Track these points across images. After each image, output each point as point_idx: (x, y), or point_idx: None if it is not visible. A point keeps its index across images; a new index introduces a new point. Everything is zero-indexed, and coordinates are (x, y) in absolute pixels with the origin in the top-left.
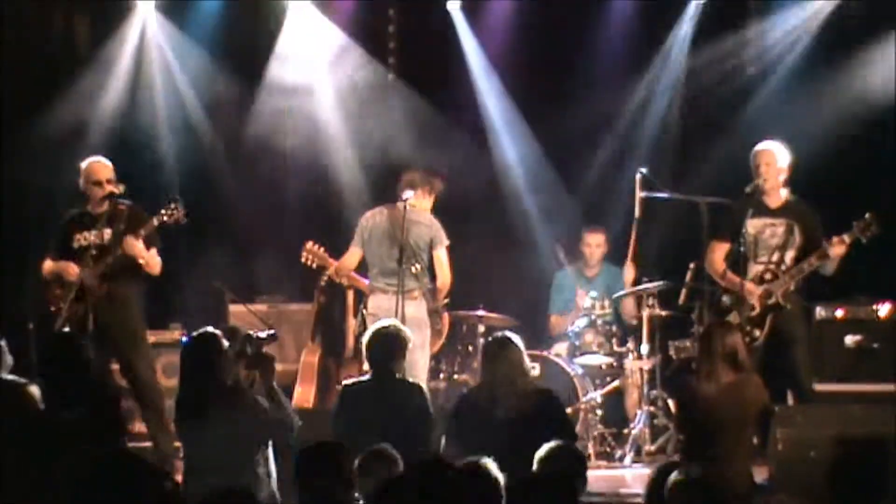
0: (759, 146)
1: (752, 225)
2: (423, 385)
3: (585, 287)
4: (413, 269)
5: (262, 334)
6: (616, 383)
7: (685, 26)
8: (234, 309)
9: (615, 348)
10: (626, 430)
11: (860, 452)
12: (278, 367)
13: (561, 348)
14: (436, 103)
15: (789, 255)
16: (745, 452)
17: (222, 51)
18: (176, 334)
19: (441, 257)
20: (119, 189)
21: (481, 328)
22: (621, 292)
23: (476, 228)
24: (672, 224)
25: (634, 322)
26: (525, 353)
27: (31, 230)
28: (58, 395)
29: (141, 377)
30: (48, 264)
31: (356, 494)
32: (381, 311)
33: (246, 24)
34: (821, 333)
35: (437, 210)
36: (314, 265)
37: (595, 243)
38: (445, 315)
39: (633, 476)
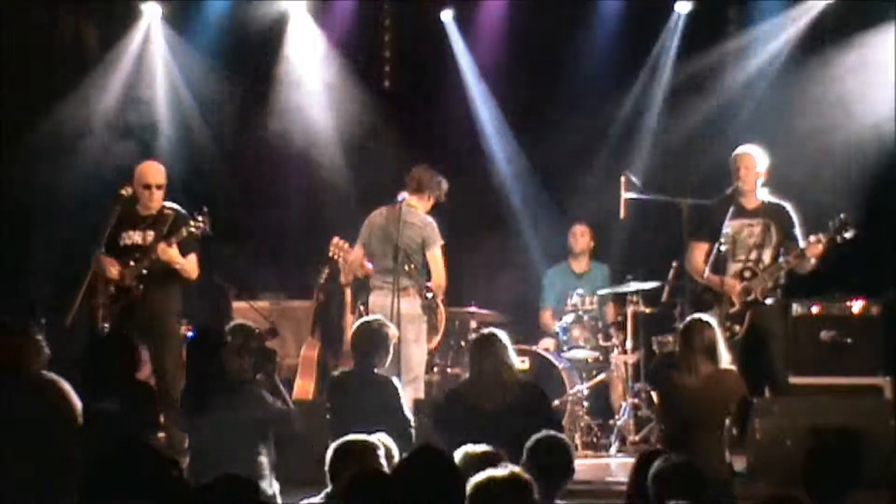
0: (739, 150)
1: (731, 225)
2: (418, 379)
3: (573, 283)
4: (407, 269)
5: (264, 330)
6: (602, 377)
7: (670, 35)
8: (238, 306)
9: (601, 343)
10: (611, 421)
11: (834, 442)
12: (280, 360)
13: (549, 343)
14: (429, 109)
15: (767, 254)
16: (725, 442)
17: (225, 56)
18: (182, 330)
19: (435, 257)
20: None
21: (473, 324)
22: (606, 290)
23: (468, 228)
24: (654, 224)
25: (617, 319)
26: (511, 348)
27: (33, 226)
28: (98, 389)
29: (167, 375)
30: (97, 258)
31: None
32: (378, 307)
33: (248, 31)
34: (797, 329)
35: (434, 211)
36: (340, 259)
37: (580, 232)
38: (442, 312)
39: (618, 465)
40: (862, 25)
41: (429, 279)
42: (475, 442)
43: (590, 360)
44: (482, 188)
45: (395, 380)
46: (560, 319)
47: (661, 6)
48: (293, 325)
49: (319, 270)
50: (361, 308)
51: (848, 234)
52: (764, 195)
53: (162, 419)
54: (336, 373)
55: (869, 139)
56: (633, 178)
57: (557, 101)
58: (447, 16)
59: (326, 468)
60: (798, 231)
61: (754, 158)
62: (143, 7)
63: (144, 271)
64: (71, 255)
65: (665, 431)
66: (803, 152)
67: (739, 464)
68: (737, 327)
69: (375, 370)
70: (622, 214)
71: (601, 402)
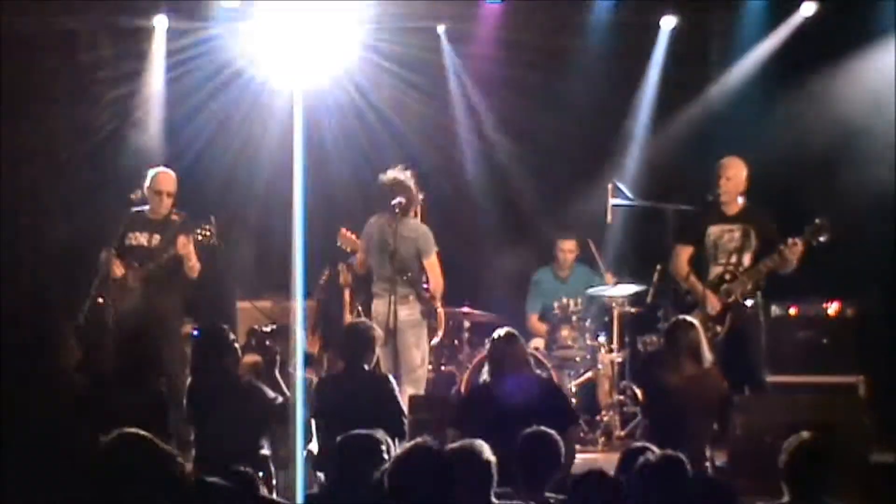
0: (721, 160)
1: (713, 230)
2: (419, 380)
3: (558, 288)
4: (405, 277)
5: (267, 328)
6: (589, 374)
7: (658, 48)
8: (242, 305)
9: (588, 342)
10: (598, 417)
11: (811, 438)
12: (282, 358)
13: (539, 342)
14: (426, 116)
15: (746, 258)
16: (707, 437)
17: (235, 64)
18: (188, 328)
19: (432, 264)
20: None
21: (466, 324)
22: (594, 290)
23: (461, 232)
24: (640, 229)
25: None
26: (527, 346)
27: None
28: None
29: (172, 373)
30: (104, 256)
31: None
32: (379, 314)
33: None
34: (775, 329)
35: (429, 217)
36: (349, 250)
37: (567, 249)
38: (441, 314)
39: (605, 459)
40: (842, 40)
41: (427, 283)
42: (500, 436)
43: (578, 359)
44: (475, 194)
45: (390, 376)
46: (546, 322)
47: (650, 22)
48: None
49: (320, 272)
50: (360, 308)
51: (822, 238)
52: (745, 202)
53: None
54: (324, 375)
55: (844, 148)
56: (621, 186)
57: (548, 113)
58: (441, 30)
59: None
60: (777, 236)
61: (736, 167)
62: (155, 20)
63: (149, 273)
64: (81, 256)
65: (650, 427)
66: (782, 160)
67: (720, 458)
68: (718, 328)
69: (366, 368)
70: (609, 219)
71: (589, 398)
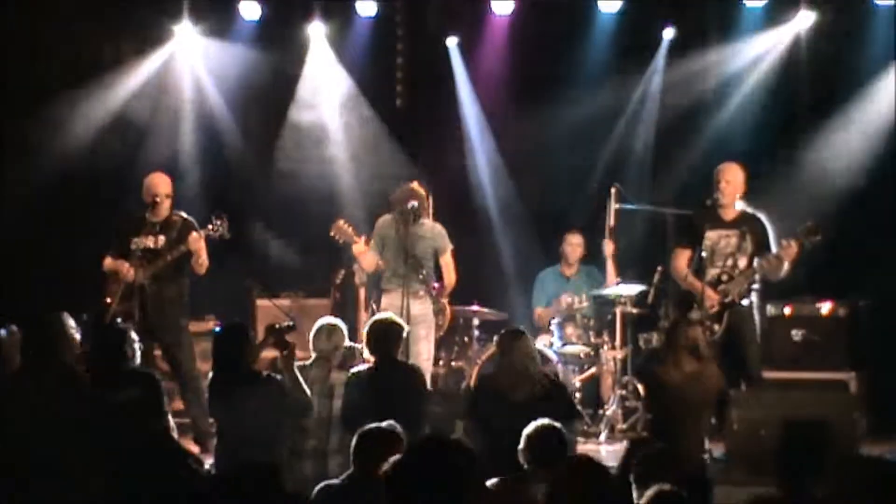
0: (720, 166)
1: (710, 235)
2: (425, 373)
3: (564, 285)
4: (420, 276)
5: (285, 325)
6: (593, 370)
7: (657, 55)
8: (261, 303)
9: (592, 340)
10: (601, 411)
11: (804, 432)
12: (299, 353)
13: (545, 339)
14: (436, 125)
15: (742, 261)
16: (705, 431)
17: (252, 71)
18: (210, 324)
19: (447, 263)
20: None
21: (476, 321)
22: (598, 291)
23: (472, 234)
24: (642, 232)
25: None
26: (533, 343)
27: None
28: (107, 379)
29: (182, 364)
30: (108, 261)
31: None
32: (392, 308)
33: (273, 52)
34: (771, 328)
35: (442, 220)
36: (341, 241)
37: (575, 242)
38: (447, 311)
39: (608, 451)
40: (837, 48)
41: (440, 280)
42: (507, 428)
43: (582, 356)
44: (484, 199)
45: (420, 368)
46: (552, 315)
47: (650, 33)
48: (311, 321)
49: (336, 272)
50: (374, 306)
51: (815, 239)
52: (741, 206)
53: (185, 405)
54: (355, 370)
55: (836, 154)
56: (623, 190)
57: (554, 121)
58: (452, 42)
59: (354, 453)
60: (771, 239)
61: (734, 173)
62: (177, 28)
63: (157, 271)
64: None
65: (650, 421)
66: (778, 164)
67: (718, 451)
68: (716, 326)
69: (398, 360)
70: (612, 223)
71: (592, 393)
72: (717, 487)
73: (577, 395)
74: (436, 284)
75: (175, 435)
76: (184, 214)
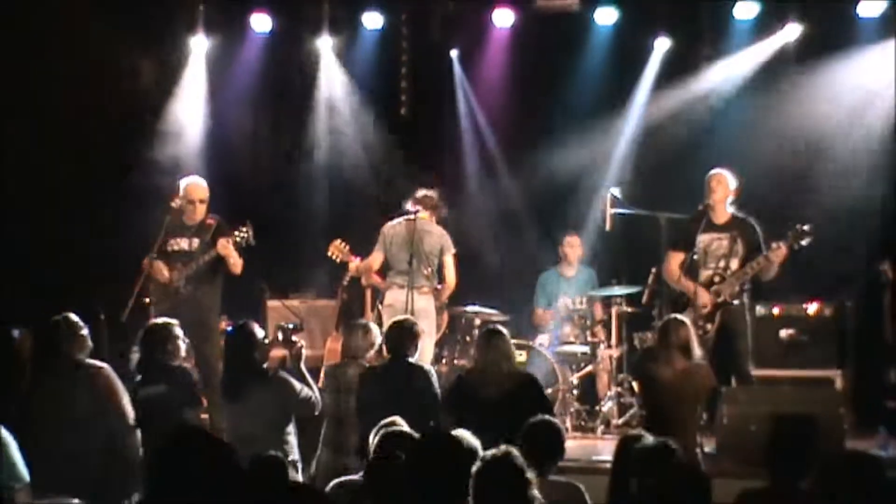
0: (712, 172)
1: (703, 238)
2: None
3: (564, 287)
4: (425, 272)
5: (293, 325)
6: (589, 368)
7: (650, 63)
8: (271, 304)
9: (589, 339)
10: (597, 407)
11: (791, 427)
12: (308, 352)
13: (544, 338)
14: (439, 134)
15: (734, 263)
16: (696, 426)
17: (264, 83)
18: (223, 324)
19: (448, 263)
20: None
21: (477, 321)
22: (595, 292)
23: (473, 237)
24: (637, 236)
25: (603, 318)
26: (511, 342)
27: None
28: (146, 375)
29: (209, 362)
30: (147, 262)
31: None
32: (397, 303)
33: (284, 64)
34: (760, 327)
35: (443, 224)
36: (338, 260)
37: (574, 244)
38: (445, 314)
39: (604, 445)
40: (819, 58)
41: (441, 281)
42: (478, 424)
43: (579, 354)
44: (485, 203)
45: (430, 368)
46: (552, 318)
47: (644, 43)
48: (320, 321)
49: (343, 274)
50: (380, 306)
51: (804, 242)
52: (733, 211)
53: (206, 402)
54: (369, 366)
55: (823, 160)
56: (618, 195)
57: (551, 127)
58: (454, 55)
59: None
60: (761, 242)
61: (725, 179)
62: (192, 41)
63: (191, 273)
64: (126, 259)
65: (645, 416)
66: (767, 170)
67: (709, 445)
68: (708, 326)
69: (410, 361)
70: (608, 227)
71: (589, 390)
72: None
73: (575, 391)
74: (440, 286)
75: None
76: (218, 217)
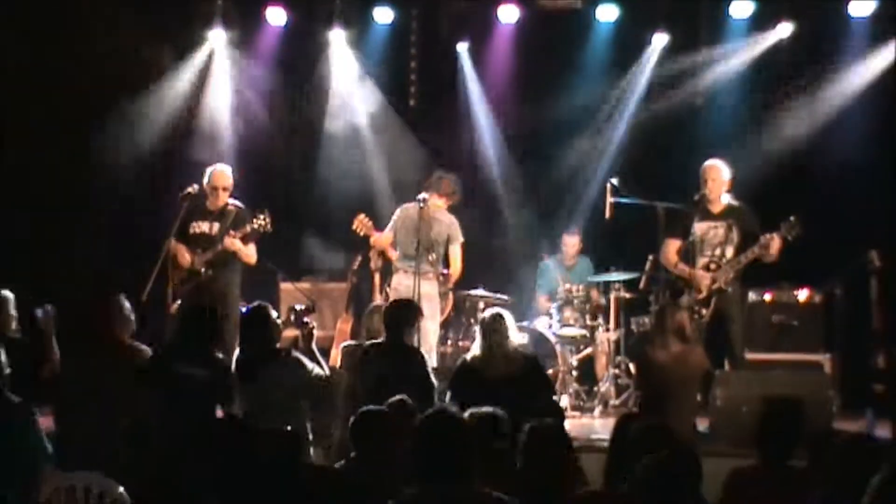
0: (707, 162)
1: (699, 227)
2: (430, 350)
3: (564, 274)
4: (430, 258)
5: (305, 306)
6: (588, 350)
7: (648, 58)
8: (284, 286)
9: (588, 322)
10: (596, 388)
11: (780, 409)
12: (319, 333)
13: (545, 322)
14: (447, 123)
15: (729, 250)
16: (691, 407)
17: (280, 73)
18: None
19: (455, 252)
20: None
21: (481, 305)
22: (594, 278)
23: (479, 224)
24: (635, 224)
25: (601, 303)
26: (514, 325)
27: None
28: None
29: (227, 344)
30: (172, 244)
31: None
32: (402, 286)
33: (297, 55)
34: (752, 313)
35: (452, 211)
36: (361, 233)
37: (571, 243)
38: (450, 297)
39: (602, 424)
40: (812, 55)
41: (447, 268)
42: (484, 405)
43: (578, 337)
44: (491, 191)
45: (422, 349)
46: (553, 303)
47: (643, 41)
48: (330, 303)
49: (353, 258)
50: (388, 289)
51: (796, 232)
52: (728, 200)
53: None
54: (367, 345)
55: (812, 150)
56: (617, 184)
57: (554, 119)
58: (462, 47)
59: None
60: (756, 230)
61: (719, 170)
62: (210, 35)
63: (211, 257)
64: (144, 242)
65: (641, 397)
66: (761, 160)
67: (703, 425)
68: (703, 311)
69: (404, 341)
70: (607, 215)
71: (587, 371)
72: (702, 460)
73: (574, 373)
74: (444, 271)
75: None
76: (239, 204)
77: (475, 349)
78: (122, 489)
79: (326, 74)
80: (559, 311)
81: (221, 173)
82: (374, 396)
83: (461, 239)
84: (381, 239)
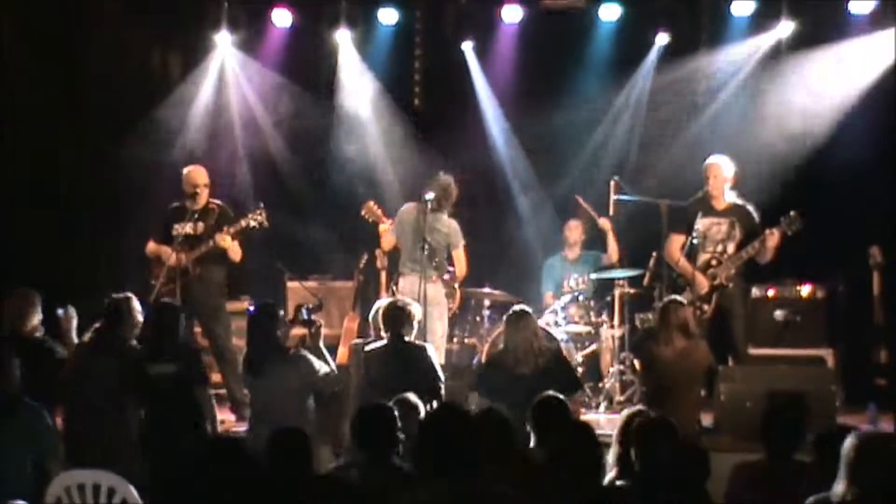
0: (710, 159)
1: (702, 223)
2: (439, 349)
3: (569, 269)
4: (433, 263)
5: (312, 305)
6: (593, 347)
7: (650, 57)
8: (291, 285)
9: (593, 319)
10: (601, 384)
11: (784, 405)
12: (326, 331)
13: (550, 319)
14: (452, 124)
15: (731, 247)
16: (695, 402)
17: (286, 74)
18: (245, 304)
19: (458, 256)
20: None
21: (487, 302)
22: (596, 275)
23: (484, 223)
24: (639, 221)
25: (606, 300)
26: (537, 322)
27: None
28: (154, 352)
29: (219, 340)
30: (151, 246)
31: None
32: (407, 289)
33: (304, 57)
34: (755, 308)
35: (458, 210)
36: (370, 220)
37: (573, 226)
38: (457, 295)
39: (607, 420)
40: (812, 52)
41: (452, 266)
42: (514, 400)
43: (583, 334)
44: (496, 191)
45: (428, 346)
46: (559, 300)
47: (645, 40)
48: (337, 301)
49: (360, 256)
50: (394, 288)
51: (797, 228)
52: (731, 197)
53: (223, 379)
54: (369, 347)
55: (814, 147)
56: (621, 182)
57: (560, 118)
58: (467, 46)
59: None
60: (758, 227)
61: (722, 167)
62: (217, 37)
63: (199, 255)
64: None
65: (645, 393)
66: (762, 158)
67: (707, 421)
68: (706, 307)
69: (406, 340)
70: (611, 212)
71: (593, 368)
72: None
73: (580, 369)
74: (451, 269)
75: (214, 403)
76: (220, 203)
77: (500, 344)
78: (131, 487)
79: (332, 75)
80: (565, 307)
81: (198, 171)
82: (383, 394)
83: (462, 242)
84: (387, 236)
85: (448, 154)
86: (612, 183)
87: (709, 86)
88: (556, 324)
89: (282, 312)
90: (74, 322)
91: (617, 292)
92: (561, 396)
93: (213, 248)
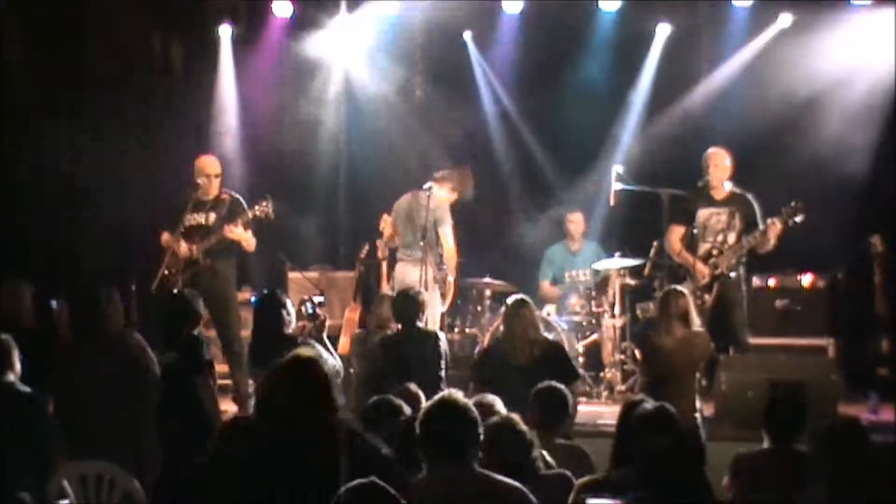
0: (710, 150)
1: (702, 213)
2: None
3: (571, 260)
4: (421, 244)
5: (316, 299)
6: (594, 337)
7: (652, 48)
8: (292, 275)
9: (594, 309)
10: (602, 374)
11: (785, 394)
12: (328, 322)
13: (552, 308)
14: (453, 110)
15: (731, 237)
16: (695, 392)
17: (288, 63)
18: (247, 295)
19: (445, 234)
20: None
21: (488, 292)
22: (598, 265)
23: (485, 212)
24: (639, 211)
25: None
26: (536, 312)
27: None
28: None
29: (229, 331)
30: (165, 237)
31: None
32: (400, 275)
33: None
34: (756, 298)
35: (459, 201)
36: (386, 233)
37: (576, 220)
38: (450, 283)
39: (608, 410)
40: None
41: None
42: (509, 390)
43: (584, 323)
44: (498, 180)
45: (440, 334)
46: (557, 286)
47: (647, 29)
48: (338, 291)
49: (361, 247)
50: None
51: (798, 218)
52: (730, 187)
53: (230, 369)
54: (385, 336)
55: (819, 141)
56: (622, 172)
57: (560, 106)
58: (468, 35)
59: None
60: (759, 217)
61: (722, 157)
62: (219, 30)
63: (210, 246)
64: (157, 233)
65: (646, 383)
66: (762, 148)
67: (708, 410)
68: (706, 296)
69: (419, 327)
70: (612, 202)
71: (594, 357)
72: (707, 444)
73: (581, 359)
74: (441, 254)
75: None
76: (233, 193)
77: (498, 334)
78: (133, 479)
79: (333, 65)
80: (565, 297)
81: (209, 161)
82: (399, 382)
83: (449, 220)
84: (389, 233)
85: (451, 144)
86: (613, 173)
87: (709, 75)
88: (561, 313)
89: (286, 302)
90: (68, 314)
91: (618, 282)
92: (561, 386)
93: (222, 238)
